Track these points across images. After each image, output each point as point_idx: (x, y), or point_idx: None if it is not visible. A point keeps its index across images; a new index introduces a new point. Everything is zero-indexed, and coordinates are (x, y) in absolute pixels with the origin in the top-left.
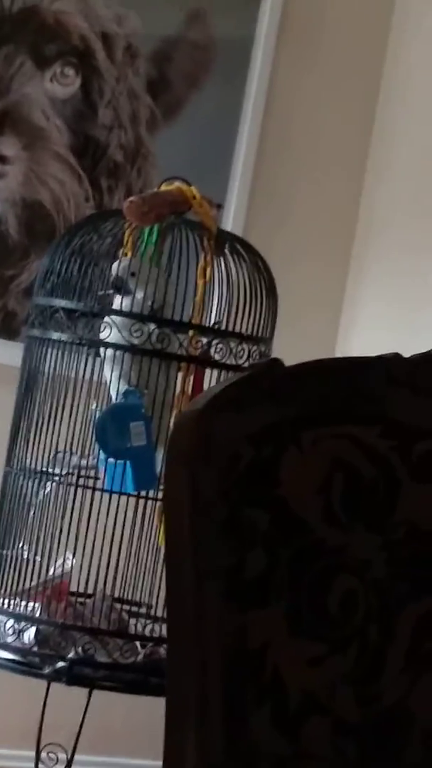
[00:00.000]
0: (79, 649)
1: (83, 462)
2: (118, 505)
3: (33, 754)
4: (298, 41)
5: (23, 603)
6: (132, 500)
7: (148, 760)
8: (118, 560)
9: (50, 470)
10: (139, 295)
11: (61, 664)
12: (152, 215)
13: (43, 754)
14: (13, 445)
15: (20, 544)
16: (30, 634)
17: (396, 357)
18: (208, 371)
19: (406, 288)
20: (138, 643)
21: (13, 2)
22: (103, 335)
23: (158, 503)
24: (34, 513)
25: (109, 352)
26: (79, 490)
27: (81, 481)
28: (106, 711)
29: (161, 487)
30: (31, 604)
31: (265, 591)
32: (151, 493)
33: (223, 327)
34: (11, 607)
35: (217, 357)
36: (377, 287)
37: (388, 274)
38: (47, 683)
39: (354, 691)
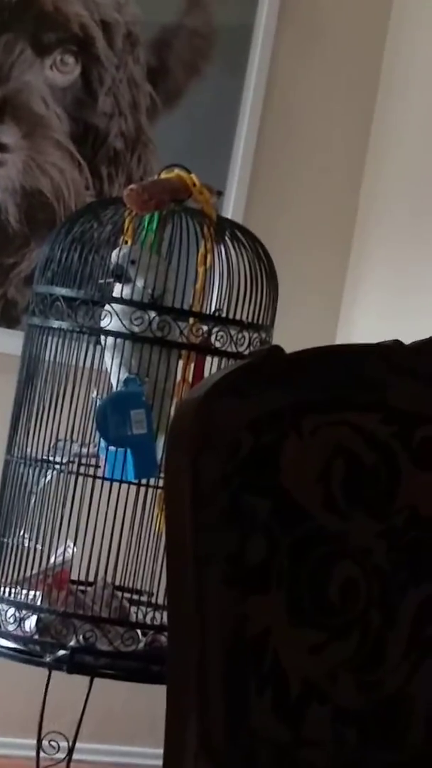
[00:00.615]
0: (80, 638)
1: (84, 450)
2: (118, 493)
3: (34, 742)
4: (298, 28)
5: (24, 591)
6: (133, 488)
7: (149, 748)
8: (118, 548)
9: (51, 458)
10: (140, 282)
11: (62, 652)
12: (152, 203)
13: (45, 742)
14: (14, 433)
15: (21, 533)
16: (31, 622)
17: (396, 344)
18: (208, 359)
19: (406, 275)
20: (139, 631)
21: None
22: (103, 323)
23: (159, 491)
24: (34, 501)
25: (110, 340)
26: (80, 479)
27: (82, 470)
28: (107, 699)
29: (162, 475)
30: (32, 592)
31: (265, 578)
32: (151, 481)
33: (224, 314)
34: (12, 595)
35: (217, 344)
36: (378, 274)
37: (389, 261)
38: (48, 671)
39: (355, 678)
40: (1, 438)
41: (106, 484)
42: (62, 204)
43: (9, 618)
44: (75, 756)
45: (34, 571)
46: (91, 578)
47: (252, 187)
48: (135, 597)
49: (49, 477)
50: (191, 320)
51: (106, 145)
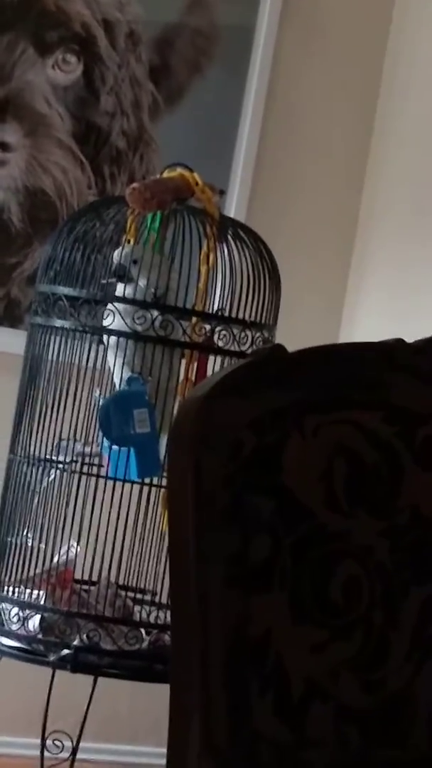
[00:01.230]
0: (84, 637)
1: (87, 449)
2: (122, 492)
3: (38, 741)
4: (300, 27)
5: (28, 591)
6: (136, 487)
7: (152, 747)
8: (122, 547)
9: (54, 458)
10: (142, 282)
11: (66, 651)
12: (155, 202)
13: (49, 742)
14: (17, 432)
15: (24, 532)
16: (35, 621)
17: (399, 342)
18: (211, 358)
19: (409, 274)
20: (143, 630)
21: None
22: (106, 322)
23: (162, 490)
24: (38, 501)
25: (113, 339)
26: (83, 478)
27: (85, 469)
28: (111, 698)
29: (165, 474)
30: (35, 591)
31: (268, 577)
32: (155, 480)
33: (227, 313)
34: (16, 594)
35: (220, 344)
36: (380, 273)
37: (391, 260)
38: (52, 671)
39: (358, 677)
40: (5, 437)
41: (110, 483)
42: (65, 203)
43: (13, 617)
44: (79, 755)
45: (38, 571)
46: (94, 577)
47: (254, 186)
48: (139, 596)
49: (52, 476)
50: (194, 319)
51: (108, 144)
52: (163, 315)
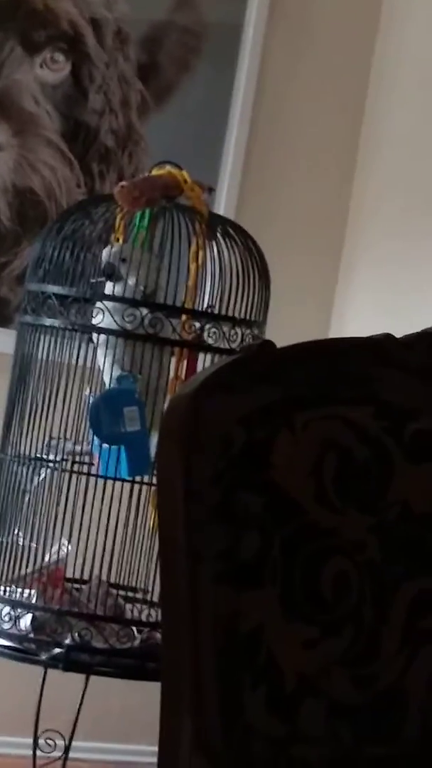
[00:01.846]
0: (76, 635)
1: (77, 448)
2: (113, 490)
3: (30, 740)
4: (288, 24)
5: (19, 590)
6: (127, 485)
7: (145, 745)
8: (113, 546)
9: (44, 456)
10: (131, 280)
11: (57, 650)
12: (143, 200)
13: (41, 741)
14: (7, 431)
15: (15, 531)
16: (26, 620)
17: (388, 338)
18: (201, 355)
19: (398, 273)
20: (134, 629)
21: None
22: (95, 321)
23: (153, 488)
24: (28, 499)
25: (102, 337)
26: (74, 476)
27: (75, 467)
28: (103, 697)
29: (155, 471)
30: (27, 590)
31: (258, 574)
32: (145, 478)
33: (216, 311)
34: (7, 593)
35: (210, 341)
36: (370, 271)
37: (381, 258)
38: (44, 669)
39: (349, 672)
40: None
41: (100, 481)
42: (53, 202)
43: (4, 616)
44: (71, 754)
45: (29, 570)
46: (86, 576)
47: (243, 183)
48: (130, 594)
49: (43, 475)
50: (183, 317)
51: (97, 142)
52: (153, 313)
